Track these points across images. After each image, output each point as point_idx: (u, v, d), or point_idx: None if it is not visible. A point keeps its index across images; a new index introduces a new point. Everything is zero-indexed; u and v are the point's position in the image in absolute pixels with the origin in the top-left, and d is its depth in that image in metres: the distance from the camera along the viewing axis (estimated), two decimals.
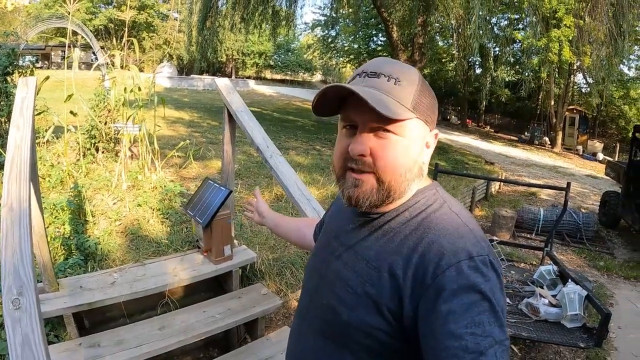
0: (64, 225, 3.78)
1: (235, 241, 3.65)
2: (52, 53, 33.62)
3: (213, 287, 3.41)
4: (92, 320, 2.77)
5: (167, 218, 4.30)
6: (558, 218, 4.87)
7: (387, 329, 0.88)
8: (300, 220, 1.71)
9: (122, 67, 5.43)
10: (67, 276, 2.99)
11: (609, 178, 9.86)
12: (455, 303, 0.77)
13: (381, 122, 0.89)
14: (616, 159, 14.68)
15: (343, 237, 1.06)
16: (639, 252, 6.79)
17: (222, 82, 3.39)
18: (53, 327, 2.69)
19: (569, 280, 3.90)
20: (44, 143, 5.19)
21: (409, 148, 0.93)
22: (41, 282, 2.65)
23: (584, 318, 3.56)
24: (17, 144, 1.85)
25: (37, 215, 2.41)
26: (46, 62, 32.65)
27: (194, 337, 2.70)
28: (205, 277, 3.15)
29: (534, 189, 10.45)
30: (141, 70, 5.32)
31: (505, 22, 20.54)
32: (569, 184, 4.63)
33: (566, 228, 7.40)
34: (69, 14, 5.67)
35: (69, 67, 5.63)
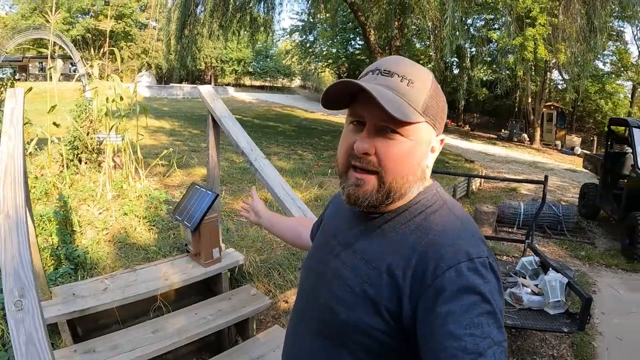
0: (51, 236, 3.79)
1: (223, 244, 3.70)
2: (30, 65, 33.25)
3: (203, 290, 3.45)
4: (86, 328, 2.80)
5: (154, 225, 4.33)
6: (537, 210, 4.98)
7: (385, 329, 0.88)
8: (296, 220, 1.74)
9: (100, 77, 5.43)
10: (58, 285, 3.02)
11: (587, 171, 10.03)
12: (455, 304, 0.78)
13: (390, 122, 0.89)
14: (594, 152, 14.93)
15: (342, 236, 1.06)
16: (619, 241, 6.91)
17: (206, 89, 3.46)
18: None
19: (550, 269, 3.99)
20: (27, 155, 5.18)
21: (414, 151, 0.93)
22: None
23: (566, 304, 3.66)
24: (10, 152, 1.90)
25: (29, 224, 2.44)
26: (24, 74, 32.28)
27: (187, 339, 2.75)
28: (195, 279, 3.20)
29: (514, 185, 10.60)
30: (113, 79, 5.34)
31: (481, 23, 20.92)
32: (546, 177, 4.76)
33: (547, 221, 7.54)
34: (47, 22, 5.66)
35: (47, 78, 5.61)
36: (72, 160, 5.30)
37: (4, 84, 5.44)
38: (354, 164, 0.94)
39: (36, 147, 5.23)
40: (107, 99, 5.08)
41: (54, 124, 5.06)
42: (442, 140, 1.02)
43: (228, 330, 3.28)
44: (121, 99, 5.09)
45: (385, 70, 0.93)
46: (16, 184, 1.78)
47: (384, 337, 0.88)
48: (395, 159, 0.91)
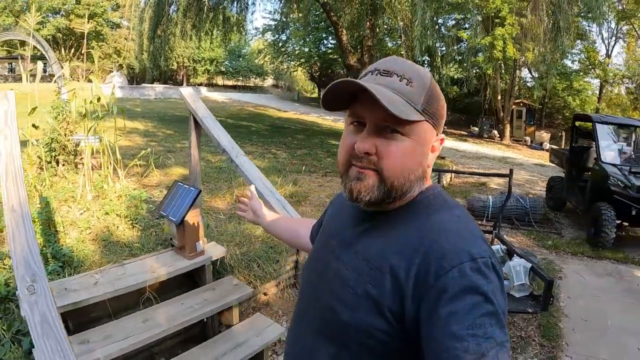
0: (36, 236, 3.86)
1: (205, 239, 3.83)
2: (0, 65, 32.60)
3: (188, 281, 3.59)
4: (79, 321, 2.90)
5: (136, 223, 4.42)
6: (504, 202, 5.23)
7: (388, 330, 0.87)
8: (296, 220, 1.82)
9: (71, 77, 5.43)
10: (48, 282, 3.11)
11: (554, 165, 10.28)
12: (458, 304, 0.78)
13: (390, 121, 0.89)
14: (562, 147, 15.36)
15: (343, 237, 1.06)
16: (584, 231, 7.16)
17: (187, 92, 3.60)
18: None
19: (515, 255, 4.23)
20: None
21: (414, 150, 0.93)
22: None
23: (530, 287, 3.89)
24: (8, 151, 2.02)
25: None
26: None
27: (176, 327, 2.90)
28: (180, 271, 3.33)
29: (484, 179, 10.86)
30: (90, 81, 5.38)
31: (452, 22, 21.34)
32: (511, 170, 5.02)
33: (514, 213, 7.79)
34: (17, 23, 5.67)
35: (18, 79, 5.62)
36: (49, 162, 5.32)
37: None
38: (355, 164, 0.95)
39: None
40: (84, 100, 5.12)
41: (33, 125, 5.09)
42: (442, 140, 1.03)
43: (212, 321, 3.42)
44: (98, 100, 5.14)
45: (384, 71, 0.94)
46: (17, 181, 1.91)
47: (386, 338, 0.88)
48: (396, 157, 0.92)
